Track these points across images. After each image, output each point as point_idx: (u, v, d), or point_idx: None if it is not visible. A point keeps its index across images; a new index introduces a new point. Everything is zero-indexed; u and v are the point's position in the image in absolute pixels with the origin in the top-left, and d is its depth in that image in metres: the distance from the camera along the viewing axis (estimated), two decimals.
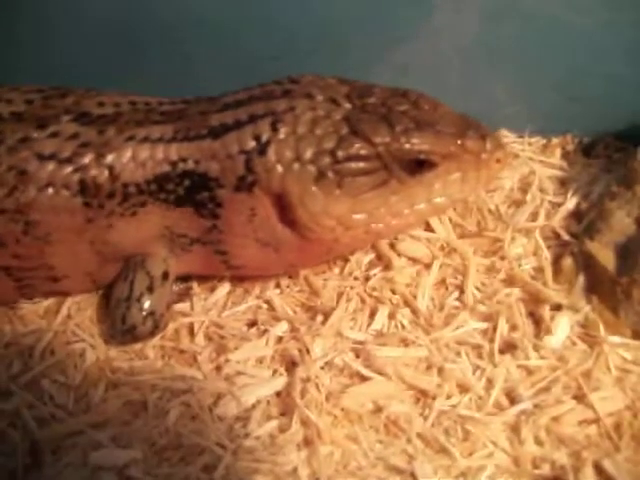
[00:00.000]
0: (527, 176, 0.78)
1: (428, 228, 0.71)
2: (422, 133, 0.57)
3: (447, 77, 0.80)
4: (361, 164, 0.57)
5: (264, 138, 0.57)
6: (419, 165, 0.58)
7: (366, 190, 0.58)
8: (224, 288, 0.68)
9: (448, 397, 0.60)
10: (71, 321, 0.67)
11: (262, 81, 0.63)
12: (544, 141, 0.83)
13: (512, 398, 0.60)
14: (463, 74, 0.80)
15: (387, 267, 0.68)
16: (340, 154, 0.57)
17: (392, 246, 0.69)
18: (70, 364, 0.64)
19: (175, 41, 0.76)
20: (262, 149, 0.57)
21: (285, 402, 0.60)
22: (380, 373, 0.61)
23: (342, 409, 0.60)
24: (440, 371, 0.62)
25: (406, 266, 0.68)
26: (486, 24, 0.78)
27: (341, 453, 0.58)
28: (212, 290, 0.68)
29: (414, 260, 0.69)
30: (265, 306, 0.67)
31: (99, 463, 0.56)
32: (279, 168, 0.57)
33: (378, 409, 0.60)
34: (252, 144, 0.58)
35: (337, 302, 0.66)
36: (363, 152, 0.57)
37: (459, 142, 0.58)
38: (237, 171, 0.58)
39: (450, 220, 0.72)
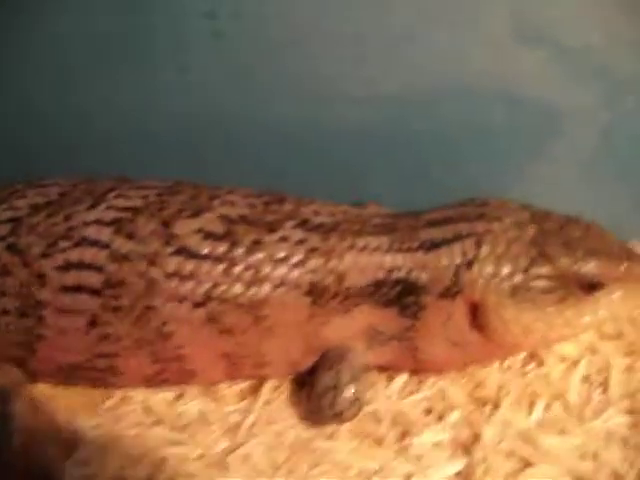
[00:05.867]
0: None
1: None
2: (598, 258, 0.68)
3: (569, 189, 0.91)
4: (547, 283, 0.68)
5: (470, 255, 0.69)
6: (591, 286, 0.69)
7: (548, 305, 0.69)
8: (401, 378, 0.78)
9: None
10: (269, 403, 0.77)
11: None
12: None
13: None
14: (586, 186, 0.91)
15: (540, 364, 0.79)
16: (531, 273, 0.68)
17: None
18: (274, 442, 0.74)
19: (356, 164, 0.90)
20: (468, 264, 0.69)
21: None
22: (544, 459, 0.71)
23: None
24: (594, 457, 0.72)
25: (557, 363, 0.79)
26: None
27: None
28: (389, 380, 0.79)
29: (563, 358, 0.79)
30: (438, 395, 0.77)
31: None
32: (481, 281, 0.68)
33: None
34: (459, 259, 0.69)
35: (498, 393, 0.76)
36: (550, 273, 0.68)
37: (624, 267, 0.69)
38: (445, 281, 0.69)
39: None
